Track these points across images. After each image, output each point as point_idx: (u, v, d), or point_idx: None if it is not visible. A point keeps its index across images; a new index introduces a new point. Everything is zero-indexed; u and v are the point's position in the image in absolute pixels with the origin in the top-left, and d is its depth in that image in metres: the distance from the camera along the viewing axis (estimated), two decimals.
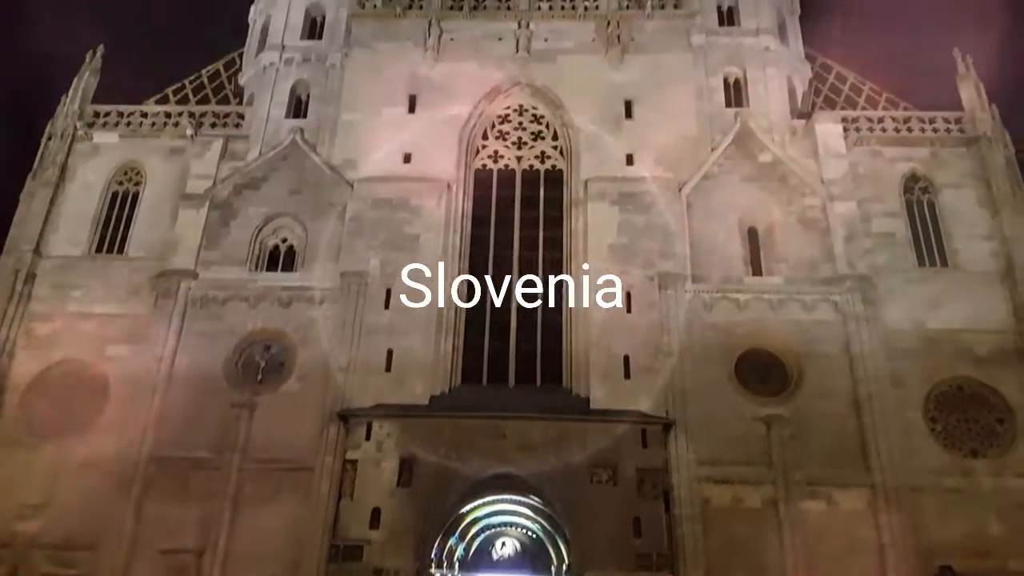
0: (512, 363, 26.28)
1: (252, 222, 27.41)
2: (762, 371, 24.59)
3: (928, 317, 24.91)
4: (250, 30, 32.98)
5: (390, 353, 24.97)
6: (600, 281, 25.77)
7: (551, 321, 26.73)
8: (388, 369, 24.80)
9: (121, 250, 28.06)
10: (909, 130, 27.81)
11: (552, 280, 27.04)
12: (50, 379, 25.61)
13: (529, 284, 27.29)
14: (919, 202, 27.15)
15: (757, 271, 26.02)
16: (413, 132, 28.72)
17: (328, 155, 28.41)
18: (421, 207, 27.31)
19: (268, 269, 26.97)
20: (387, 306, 25.72)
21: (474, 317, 26.89)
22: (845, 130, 27.57)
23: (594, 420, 23.38)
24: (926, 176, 27.29)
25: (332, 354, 24.88)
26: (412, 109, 29.35)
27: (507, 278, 27.25)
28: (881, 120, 28.20)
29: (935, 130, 27.75)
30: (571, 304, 26.29)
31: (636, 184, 27.17)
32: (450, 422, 23.50)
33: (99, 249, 28.14)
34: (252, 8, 33.42)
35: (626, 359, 24.64)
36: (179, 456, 23.57)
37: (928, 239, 26.48)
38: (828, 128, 27.48)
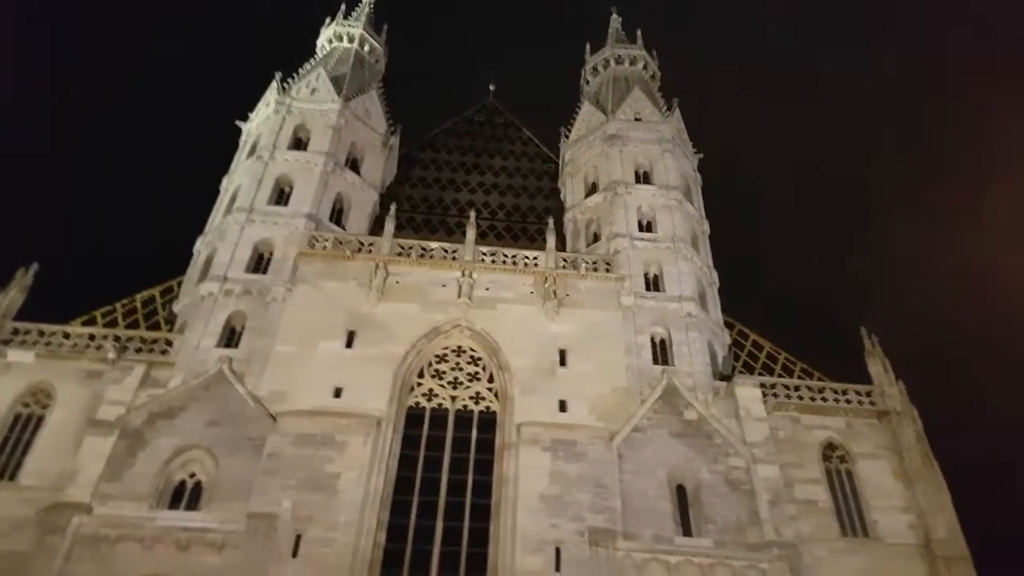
0: None
1: (161, 454, 28.65)
2: None
3: None
4: (193, 260, 37.33)
5: None
6: (529, 536, 27.53)
7: None
8: None
9: (13, 477, 28.59)
10: (824, 400, 32.77)
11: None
12: None
13: (453, 535, 28.78)
14: (838, 470, 31.06)
15: (687, 531, 28.52)
16: (348, 367, 31.89)
17: (255, 387, 30.83)
18: (347, 444, 29.42)
19: (171, 507, 27.73)
20: (295, 554, 26.50)
21: (391, 572, 27.65)
22: (764, 395, 32.28)
23: None
24: (843, 445, 31.58)
25: None
26: (350, 344, 32.87)
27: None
28: (797, 388, 33.22)
29: (848, 401, 32.76)
30: (497, 561, 27.59)
31: (569, 431, 30.47)
32: None
33: None
34: (199, 240, 38.18)
35: None
36: None
37: (849, 508, 29.94)
38: (748, 392, 32.19)
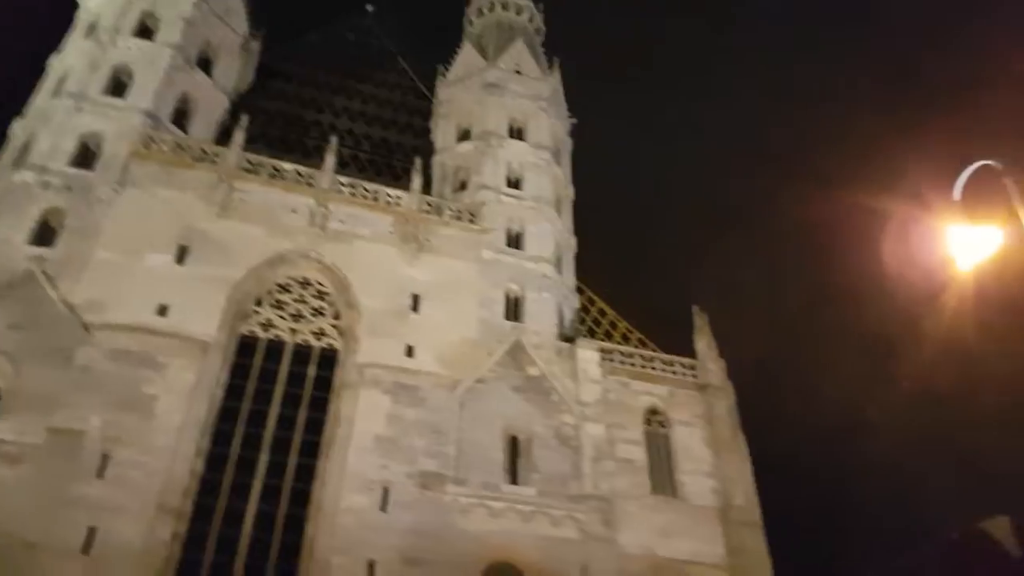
0: (242, 558, 27.41)
1: None
2: None
3: (657, 544, 31.19)
4: (7, 144, 34.16)
5: (92, 532, 24.95)
6: (358, 475, 28.78)
7: (296, 514, 28.69)
8: (86, 552, 24.66)
9: None
10: (653, 369, 36.61)
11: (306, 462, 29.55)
12: None
13: (277, 469, 29.39)
14: (657, 434, 34.99)
15: (515, 480, 31.08)
16: (177, 285, 30.89)
17: (69, 293, 29.21)
18: (168, 366, 28.91)
19: None
20: (101, 475, 26.03)
21: (206, 500, 27.96)
22: (602, 359, 35.47)
23: None
24: (664, 411, 35.51)
25: (17, 527, 24.09)
26: (181, 261, 31.74)
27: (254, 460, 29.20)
28: (631, 356, 36.83)
29: (673, 372, 36.88)
30: (322, 497, 28.64)
31: (413, 377, 31.82)
32: None
33: None
34: (15, 122, 34.94)
35: (371, 565, 27.17)
36: None
37: (662, 469, 33.87)
38: (587, 355, 35.24)
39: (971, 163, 11.82)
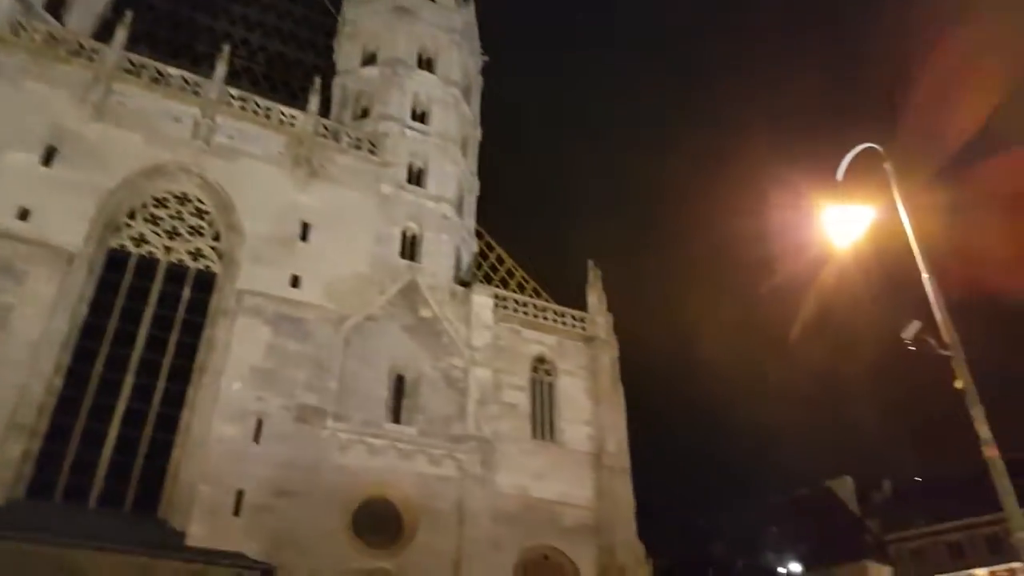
0: (100, 481, 26.77)
1: None
2: (380, 521, 29.28)
3: (531, 485, 32.96)
4: None
5: None
6: (231, 405, 28.44)
7: (162, 439, 28.19)
8: None
9: None
10: (545, 318, 37.90)
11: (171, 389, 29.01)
12: None
13: (143, 392, 28.64)
14: (542, 381, 36.50)
15: (398, 419, 31.62)
16: (41, 188, 28.96)
17: None
18: (27, 275, 27.36)
19: None
20: None
21: (63, 420, 26.98)
22: (495, 305, 36.28)
23: (182, 559, 24.60)
24: (551, 360, 37.00)
25: None
26: (48, 162, 29.71)
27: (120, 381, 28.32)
28: (525, 304, 37.92)
29: (564, 323, 38.31)
30: (191, 424, 28.23)
31: (297, 308, 31.37)
32: None
33: None
34: None
35: (239, 495, 27.12)
36: None
37: (544, 415, 35.55)
38: (482, 300, 35.92)
39: (853, 147, 12.87)
